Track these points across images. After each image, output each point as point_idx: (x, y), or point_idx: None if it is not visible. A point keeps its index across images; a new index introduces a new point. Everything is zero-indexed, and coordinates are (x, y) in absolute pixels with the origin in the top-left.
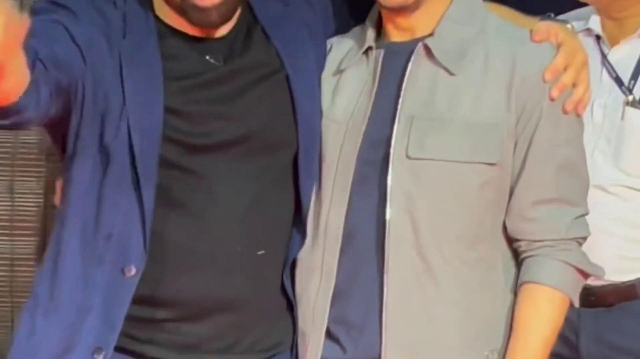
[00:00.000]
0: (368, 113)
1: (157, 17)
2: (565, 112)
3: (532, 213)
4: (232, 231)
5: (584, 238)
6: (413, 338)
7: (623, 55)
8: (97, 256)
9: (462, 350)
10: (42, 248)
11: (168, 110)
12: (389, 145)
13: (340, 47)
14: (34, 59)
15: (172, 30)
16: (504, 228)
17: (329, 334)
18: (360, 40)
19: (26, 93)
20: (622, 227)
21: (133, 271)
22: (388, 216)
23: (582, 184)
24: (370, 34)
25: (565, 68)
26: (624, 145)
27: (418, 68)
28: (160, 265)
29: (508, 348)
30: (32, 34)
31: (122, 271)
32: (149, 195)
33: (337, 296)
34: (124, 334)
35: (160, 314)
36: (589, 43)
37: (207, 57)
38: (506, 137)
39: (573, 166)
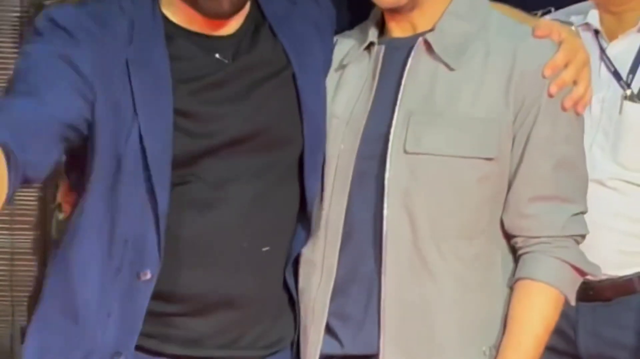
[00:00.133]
0: (368, 109)
1: (165, 17)
2: (564, 109)
3: (529, 209)
4: (239, 228)
5: (582, 236)
6: (411, 334)
7: (621, 50)
8: (115, 264)
9: (459, 346)
10: (41, 242)
11: (178, 112)
12: (387, 140)
13: (344, 44)
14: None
15: (181, 29)
16: (502, 224)
17: (329, 330)
18: (363, 36)
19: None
20: (620, 221)
21: (148, 275)
22: (385, 211)
23: (581, 182)
24: (373, 30)
25: (565, 66)
26: (622, 139)
27: (418, 63)
28: (167, 260)
29: (501, 343)
30: (36, 90)
31: (138, 276)
32: (163, 199)
33: (337, 292)
34: None
35: (165, 309)
36: (588, 37)
37: (217, 55)
38: (504, 132)
39: (571, 163)
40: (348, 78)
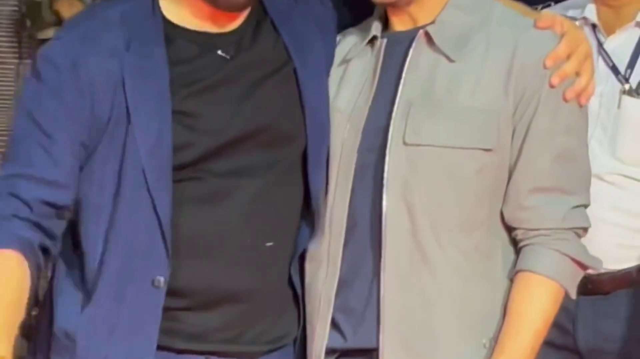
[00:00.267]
0: (369, 102)
1: (164, 18)
2: (565, 100)
3: (529, 201)
4: (242, 223)
5: (584, 229)
6: (410, 328)
7: (619, 44)
8: (129, 275)
9: (459, 339)
10: None
11: (179, 114)
12: (387, 132)
13: (348, 39)
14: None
15: (180, 29)
16: (503, 216)
17: (334, 324)
18: (366, 31)
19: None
20: (619, 215)
21: (162, 281)
22: (384, 203)
23: (582, 174)
24: (376, 24)
25: (567, 57)
26: (620, 133)
27: (419, 56)
28: (172, 256)
29: (499, 335)
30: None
31: (152, 283)
32: (164, 205)
33: (342, 286)
34: None
35: (170, 303)
36: (585, 32)
37: (218, 52)
38: (503, 123)
39: (572, 155)
40: (351, 72)
